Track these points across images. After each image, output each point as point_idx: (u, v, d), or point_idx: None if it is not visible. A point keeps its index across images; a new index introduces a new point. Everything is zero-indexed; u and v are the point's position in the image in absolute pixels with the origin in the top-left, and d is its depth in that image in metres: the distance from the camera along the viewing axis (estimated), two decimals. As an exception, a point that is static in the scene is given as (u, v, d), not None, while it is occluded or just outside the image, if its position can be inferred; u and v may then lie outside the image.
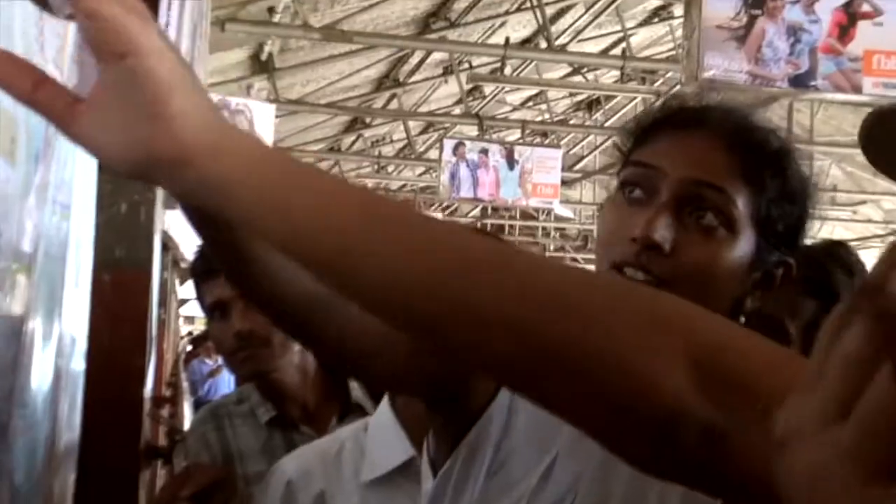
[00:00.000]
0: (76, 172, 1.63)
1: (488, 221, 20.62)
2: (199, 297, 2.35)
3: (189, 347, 16.47)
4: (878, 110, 0.82)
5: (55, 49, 1.30)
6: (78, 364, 1.89)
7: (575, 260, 25.20)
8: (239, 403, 2.36)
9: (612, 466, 1.17)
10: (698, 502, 0.88)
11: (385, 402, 1.81)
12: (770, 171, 1.19)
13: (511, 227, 21.15)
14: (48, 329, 1.48)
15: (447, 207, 18.90)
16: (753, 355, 0.75)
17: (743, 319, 1.22)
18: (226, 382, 12.50)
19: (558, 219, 19.98)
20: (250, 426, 2.31)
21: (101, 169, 2.00)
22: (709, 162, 1.19)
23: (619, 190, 1.24)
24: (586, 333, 0.74)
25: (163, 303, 4.71)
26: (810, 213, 1.26)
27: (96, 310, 2.05)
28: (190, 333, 19.48)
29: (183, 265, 5.44)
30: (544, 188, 12.69)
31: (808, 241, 1.32)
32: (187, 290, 8.29)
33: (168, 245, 3.95)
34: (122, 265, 2.30)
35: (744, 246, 1.18)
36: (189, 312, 19.25)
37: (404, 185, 19.66)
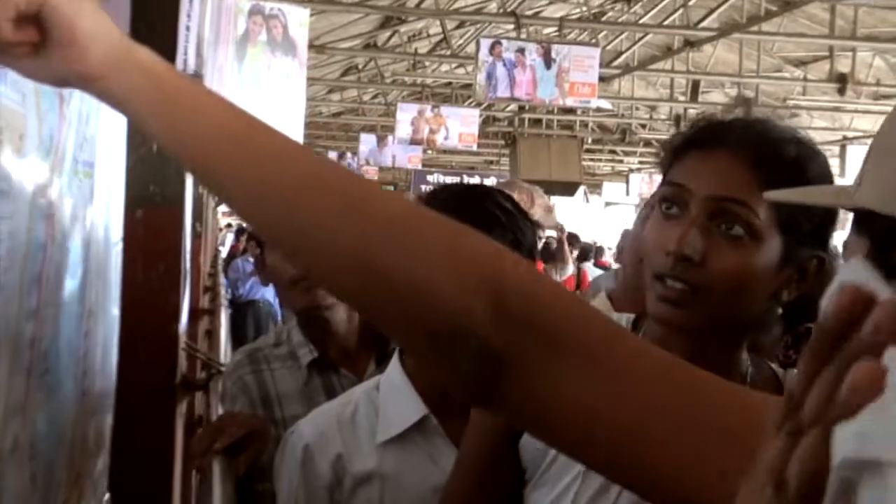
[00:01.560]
0: (100, 126, 1.64)
1: (526, 116, 20.52)
2: None
3: (231, 238, 16.50)
4: None
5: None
6: (113, 311, 1.92)
7: (613, 152, 25.12)
8: (277, 346, 2.36)
9: None
10: None
11: (395, 360, 1.82)
12: (789, 178, 1.27)
13: (549, 120, 21.02)
14: (75, 290, 1.52)
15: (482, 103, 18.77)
16: (554, 305, 0.90)
17: (780, 311, 1.38)
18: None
19: (598, 111, 19.79)
20: (289, 368, 2.30)
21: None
22: (731, 178, 1.32)
23: (658, 206, 1.39)
24: (404, 261, 0.88)
25: (198, 217, 4.74)
26: (836, 209, 1.37)
27: (129, 247, 2.07)
28: (229, 225, 19.52)
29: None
30: (582, 87, 12.54)
31: None
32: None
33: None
34: (154, 202, 2.32)
35: (770, 250, 1.32)
36: (229, 209, 19.28)
37: (448, 83, 19.51)
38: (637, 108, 21.01)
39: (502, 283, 0.88)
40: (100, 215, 1.71)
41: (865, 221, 0.80)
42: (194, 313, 4.47)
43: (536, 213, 10.62)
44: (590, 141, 22.67)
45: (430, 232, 0.90)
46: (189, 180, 2.38)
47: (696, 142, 1.39)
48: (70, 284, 1.48)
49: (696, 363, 1.36)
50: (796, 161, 1.33)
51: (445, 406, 1.72)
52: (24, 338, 1.23)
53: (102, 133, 1.67)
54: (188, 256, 2.61)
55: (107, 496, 1.87)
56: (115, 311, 1.95)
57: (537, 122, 21.21)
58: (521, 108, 19.59)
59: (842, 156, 17.58)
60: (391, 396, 1.77)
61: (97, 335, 1.75)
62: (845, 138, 18.26)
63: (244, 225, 20.78)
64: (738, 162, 1.32)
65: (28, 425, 1.26)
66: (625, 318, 1.49)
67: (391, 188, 25.99)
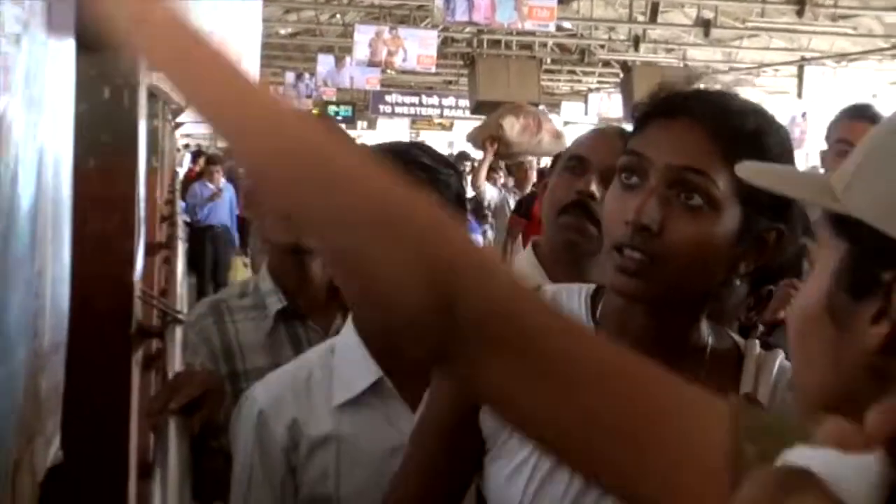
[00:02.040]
0: (47, 78, 1.59)
1: (485, 37, 20.36)
2: None
3: (189, 158, 16.32)
4: None
5: None
6: (66, 263, 1.89)
7: (572, 72, 25.02)
8: (241, 297, 2.33)
9: None
10: None
11: (349, 324, 1.82)
12: (748, 149, 1.27)
13: (508, 41, 20.88)
14: (25, 254, 1.50)
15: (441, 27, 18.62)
16: (501, 303, 0.88)
17: (739, 282, 1.39)
18: (226, 206, 12.56)
19: (558, 30, 19.64)
20: (252, 320, 2.27)
21: (82, 54, 1.97)
22: (690, 148, 1.31)
23: (617, 175, 1.38)
24: (366, 245, 0.89)
25: (154, 150, 4.68)
26: None
27: (82, 196, 2.03)
28: (187, 146, 19.34)
29: (173, 107, 5.39)
30: (540, 10, 12.48)
31: None
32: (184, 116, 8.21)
33: (156, 94, 3.91)
34: (107, 151, 2.27)
35: (728, 220, 1.31)
36: (187, 131, 19.16)
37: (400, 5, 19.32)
38: (596, 28, 20.90)
39: (454, 284, 0.86)
40: (49, 169, 1.67)
41: (847, 226, 0.77)
42: (150, 248, 4.42)
43: (544, 139, 10.53)
44: (549, 61, 22.54)
45: (403, 221, 0.90)
46: (142, 125, 2.34)
47: (657, 112, 1.38)
48: (19, 250, 1.45)
49: (655, 334, 1.37)
50: (755, 133, 1.32)
51: (400, 369, 1.71)
52: (-28, 314, 1.21)
53: (50, 86, 1.63)
54: (143, 202, 2.57)
55: (59, 453, 1.85)
56: (68, 262, 1.92)
57: (496, 42, 21.04)
58: (480, 30, 19.42)
59: (799, 76, 17.61)
60: (346, 359, 1.77)
61: (47, 293, 1.72)
62: (803, 59, 18.27)
63: (201, 147, 20.58)
64: (697, 131, 1.32)
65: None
66: (585, 289, 1.48)
67: (349, 108, 25.83)
